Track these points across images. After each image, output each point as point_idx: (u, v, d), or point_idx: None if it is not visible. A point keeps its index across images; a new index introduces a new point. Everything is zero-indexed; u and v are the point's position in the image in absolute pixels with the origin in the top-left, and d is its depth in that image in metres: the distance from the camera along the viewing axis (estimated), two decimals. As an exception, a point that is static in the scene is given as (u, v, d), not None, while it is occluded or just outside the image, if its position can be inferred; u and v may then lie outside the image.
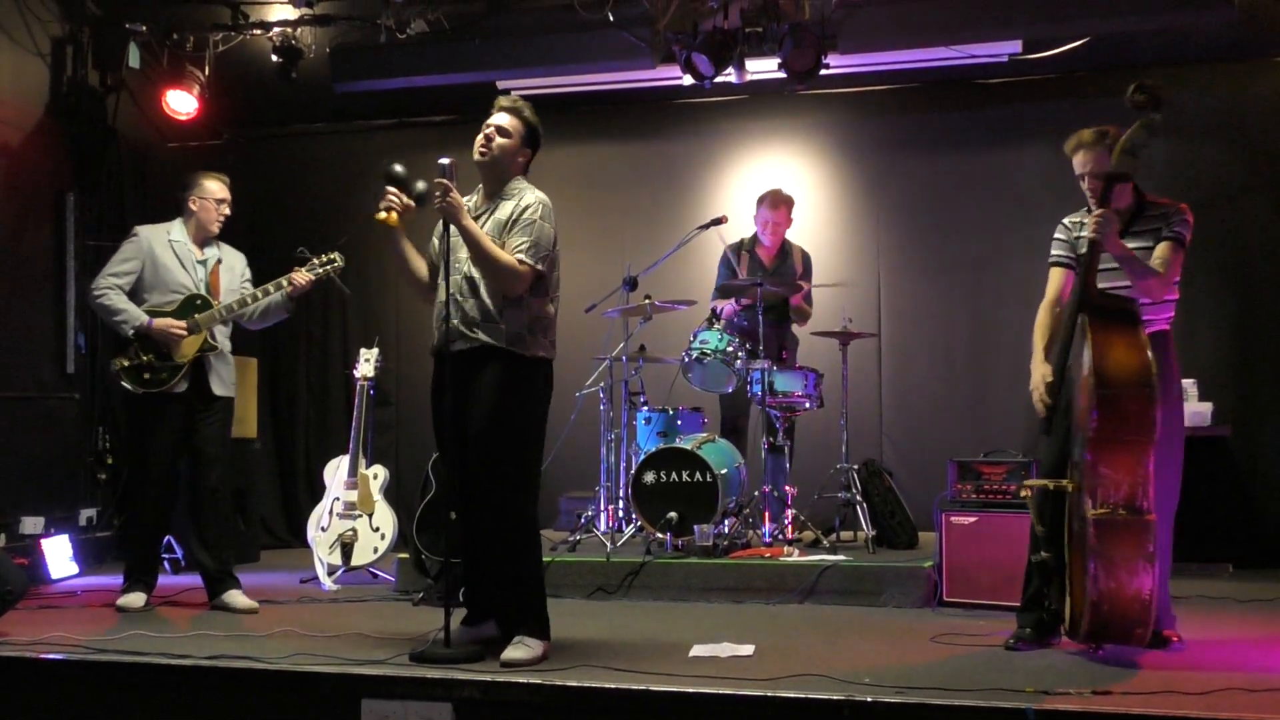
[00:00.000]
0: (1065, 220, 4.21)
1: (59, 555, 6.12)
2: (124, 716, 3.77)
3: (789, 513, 5.70)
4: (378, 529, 5.76)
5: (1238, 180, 6.56)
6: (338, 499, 5.82)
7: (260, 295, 5.11)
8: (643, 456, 5.66)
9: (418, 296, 4.18)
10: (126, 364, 5.00)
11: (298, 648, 3.98)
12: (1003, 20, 6.21)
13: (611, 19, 6.34)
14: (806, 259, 6.35)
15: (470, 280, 3.90)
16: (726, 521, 5.53)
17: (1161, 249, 3.95)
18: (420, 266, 4.10)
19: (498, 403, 3.83)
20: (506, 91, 6.42)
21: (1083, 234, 3.94)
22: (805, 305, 6.26)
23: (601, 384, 6.16)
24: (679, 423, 6.00)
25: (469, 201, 4.00)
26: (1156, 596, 3.65)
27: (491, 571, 3.98)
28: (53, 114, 6.78)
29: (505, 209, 3.93)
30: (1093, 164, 3.99)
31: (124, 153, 7.21)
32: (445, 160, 3.83)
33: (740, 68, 6.28)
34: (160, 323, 4.97)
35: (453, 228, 3.83)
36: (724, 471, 5.53)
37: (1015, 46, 6.46)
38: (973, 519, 4.93)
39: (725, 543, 5.42)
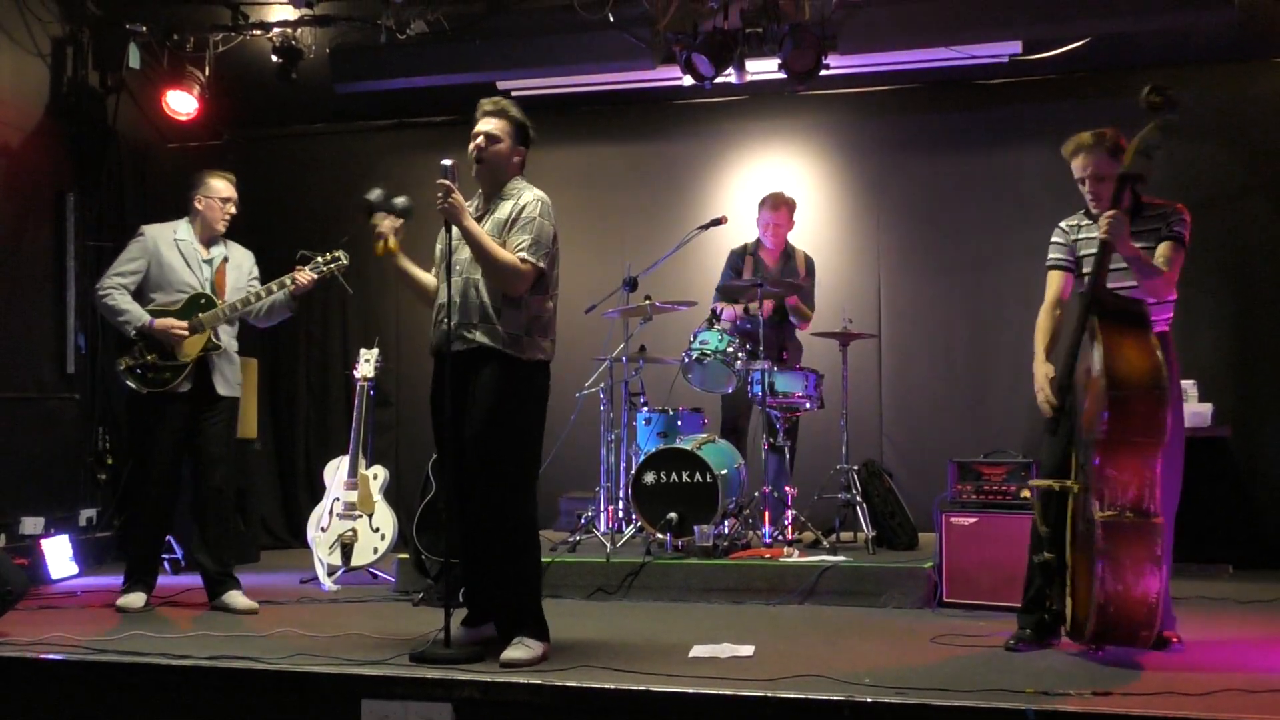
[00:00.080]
0: (1062, 223, 4.22)
1: (59, 555, 6.12)
2: (124, 716, 3.78)
3: (789, 513, 5.70)
4: (378, 529, 5.76)
5: (1238, 180, 6.56)
6: (338, 499, 5.82)
7: (263, 294, 5.11)
8: (643, 457, 5.66)
9: (429, 308, 4.14)
10: (131, 363, 5.00)
11: (298, 648, 3.98)
12: (1003, 21, 6.22)
13: (611, 19, 6.34)
14: (810, 263, 6.35)
15: (470, 281, 3.91)
16: (726, 522, 5.53)
17: (1164, 249, 3.95)
18: (428, 281, 4.11)
19: (495, 405, 3.84)
20: (507, 93, 6.42)
21: (1093, 235, 3.93)
22: (804, 307, 6.24)
23: (601, 384, 6.16)
24: (679, 423, 5.99)
25: (470, 205, 4.01)
26: (1163, 599, 3.65)
27: (490, 572, 3.98)
28: (53, 114, 6.78)
29: (504, 208, 3.94)
30: (1092, 167, 4.01)
31: (124, 153, 7.21)
32: (447, 161, 3.84)
33: (740, 68, 6.28)
34: (162, 322, 4.97)
35: (454, 228, 3.83)
36: (724, 472, 5.52)
37: (1015, 47, 6.47)
38: (973, 520, 4.93)
39: (725, 543, 5.42)
